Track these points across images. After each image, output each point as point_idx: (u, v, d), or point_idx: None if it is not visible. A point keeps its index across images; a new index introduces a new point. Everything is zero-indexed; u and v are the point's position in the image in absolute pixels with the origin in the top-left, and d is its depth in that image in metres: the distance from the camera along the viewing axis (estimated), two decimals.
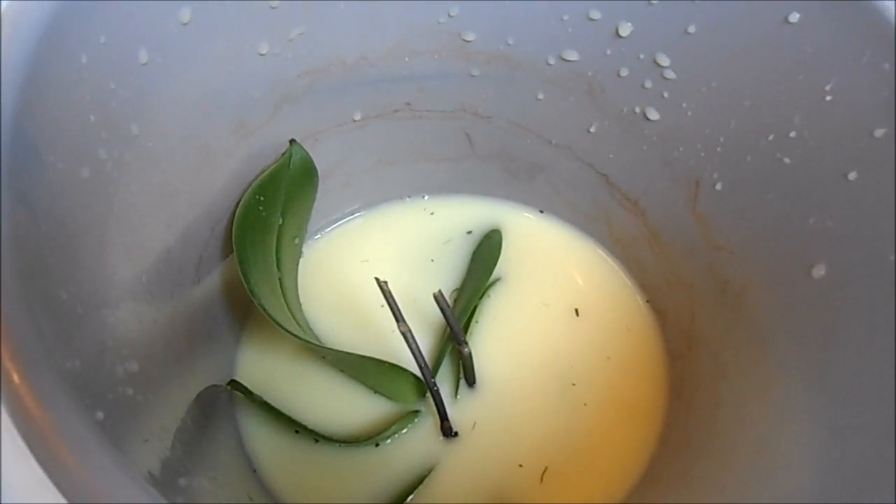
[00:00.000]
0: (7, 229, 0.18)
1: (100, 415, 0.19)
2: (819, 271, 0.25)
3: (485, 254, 0.38)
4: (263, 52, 0.28)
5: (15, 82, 0.19)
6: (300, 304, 0.35)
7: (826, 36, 0.23)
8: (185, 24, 0.25)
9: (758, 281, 0.29)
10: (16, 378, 0.16)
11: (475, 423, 0.33)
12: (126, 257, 0.25)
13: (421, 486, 0.32)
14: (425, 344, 0.35)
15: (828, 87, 0.24)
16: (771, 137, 0.27)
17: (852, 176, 0.24)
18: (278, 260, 0.32)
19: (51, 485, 0.16)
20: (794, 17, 0.24)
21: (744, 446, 0.27)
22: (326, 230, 0.40)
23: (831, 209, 0.25)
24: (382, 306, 0.35)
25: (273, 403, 0.32)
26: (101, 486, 0.16)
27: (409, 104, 0.34)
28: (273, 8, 0.27)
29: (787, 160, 0.26)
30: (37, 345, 0.17)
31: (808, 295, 0.26)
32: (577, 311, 0.36)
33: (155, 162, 0.26)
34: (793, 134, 0.26)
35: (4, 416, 0.16)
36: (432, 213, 0.40)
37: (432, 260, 0.38)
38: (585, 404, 0.34)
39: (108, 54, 0.22)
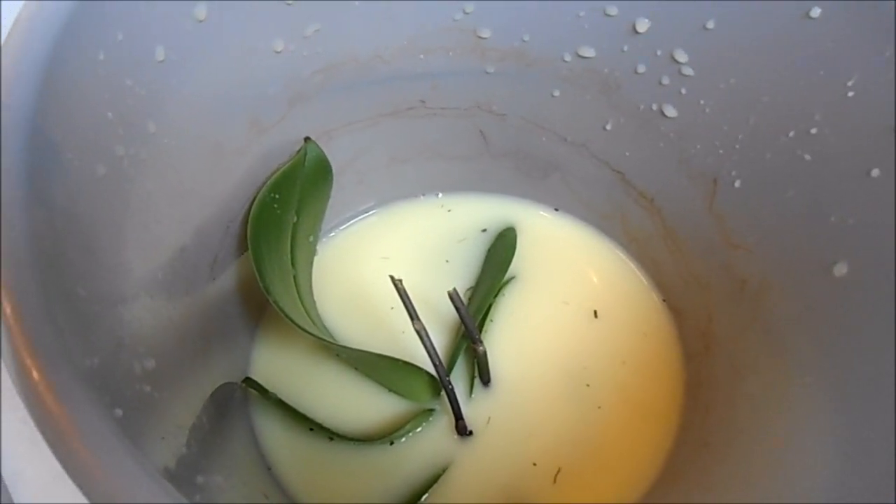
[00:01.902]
0: (25, 227, 0.18)
1: (118, 412, 0.19)
2: (840, 270, 0.25)
3: (499, 252, 0.38)
4: (278, 49, 0.28)
5: (32, 79, 0.19)
6: (315, 302, 0.35)
7: (847, 31, 0.23)
8: (201, 21, 0.25)
9: (777, 280, 0.29)
10: (35, 375, 0.16)
11: (490, 422, 0.33)
12: (142, 254, 0.25)
13: (435, 485, 0.32)
14: (440, 342, 0.35)
15: (849, 83, 0.24)
16: (791, 134, 0.26)
17: (875, 173, 0.23)
18: (293, 258, 0.32)
19: (70, 482, 0.16)
20: (816, 12, 0.24)
21: (762, 447, 0.27)
22: (340, 228, 0.40)
23: (853, 207, 0.24)
24: (394, 307, 0.35)
25: (288, 401, 0.32)
26: (120, 484, 0.16)
27: (423, 101, 0.34)
28: (289, 5, 0.27)
29: (807, 157, 0.26)
30: (55, 342, 0.17)
31: (829, 294, 0.25)
32: (595, 312, 0.36)
33: (170, 159, 0.26)
34: (814, 130, 0.25)
35: (23, 412, 0.16)
36: (449, 211, 0.40)
37: (447, 260, 0.38)
38: (599, 407, 0.34)
39: (125, 51, 0.23)
